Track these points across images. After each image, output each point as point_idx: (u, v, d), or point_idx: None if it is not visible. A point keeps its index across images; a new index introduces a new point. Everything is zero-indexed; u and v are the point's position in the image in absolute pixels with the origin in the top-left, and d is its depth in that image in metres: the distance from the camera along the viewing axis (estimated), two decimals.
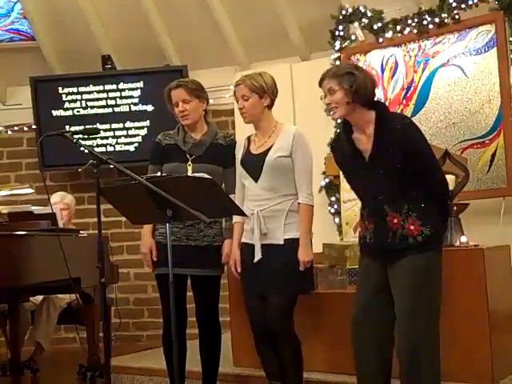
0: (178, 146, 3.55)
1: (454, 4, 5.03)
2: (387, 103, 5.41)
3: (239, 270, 3.38)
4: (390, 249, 2.78)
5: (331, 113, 2.89)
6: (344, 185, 4.08)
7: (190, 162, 3.51)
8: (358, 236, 3.02)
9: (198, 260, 3.45)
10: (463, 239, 3.43)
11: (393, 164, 2.74)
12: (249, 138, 3.46)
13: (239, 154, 3.43)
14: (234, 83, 3.41)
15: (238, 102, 3.37)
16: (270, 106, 3.37)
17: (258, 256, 3.25)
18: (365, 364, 2.86)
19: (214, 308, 3.57)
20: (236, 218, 3.43)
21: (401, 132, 2.74)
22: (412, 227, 2.74)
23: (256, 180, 3.30)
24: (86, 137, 5.28)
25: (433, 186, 2.80)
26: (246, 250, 3.35)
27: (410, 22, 5.29)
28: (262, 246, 3.26)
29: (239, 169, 3.39)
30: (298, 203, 3.27)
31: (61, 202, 5.11)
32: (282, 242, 3.24)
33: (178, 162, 3.50)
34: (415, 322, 2.71)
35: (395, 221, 2.76)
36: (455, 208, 3.48)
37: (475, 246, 3.42)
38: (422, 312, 2.72)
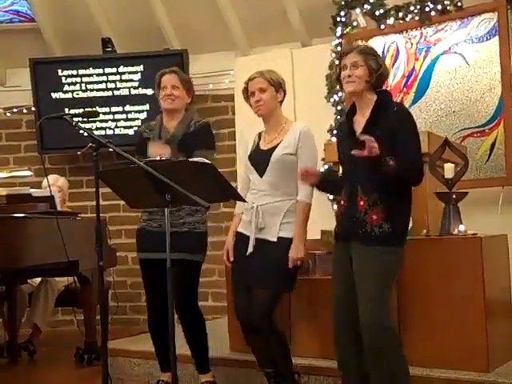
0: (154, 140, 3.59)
1: None
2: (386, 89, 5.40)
3: (231, 259, 3.40)
4: (353, 230, 2.85)
5: (346, 85, 2.91)
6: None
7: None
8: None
9: (174, 245, 3.42)
10: (461, 228, 3.44)
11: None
12: (260, 134, 3.47)
13: (248, 149, 3.45)
14: (248, 78, 3.39)
15: (250, 96, 3.35)
16: (281, 103, 3.38)
17: (250, 249, 3.29)
18: (345, 361, 2.96)
19: (191, 293, 3.57)
20: (237, 210, 3.45)
21: (395, 116, 2.82)
22: (374, 217, 2.81)
23: (261, 175, 3.32)
24: (85, 120, 5.27)
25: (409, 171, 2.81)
26: (240, 239, 3.37)
27: (412, 8, 5.27)
28: (257, 239, 3.28)
29: (247, 164, 3.42)
30: (297, 200, 3.29)
31: (54, 184, 5.09)
32: (274, 240, 3.26)
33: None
34: (368, 309, 2.79)
35: (361, 203, 2.84)
36: (454, 196, 3.48)
37: (473, 234, 3.42)
38: (374, 301, 2.80)
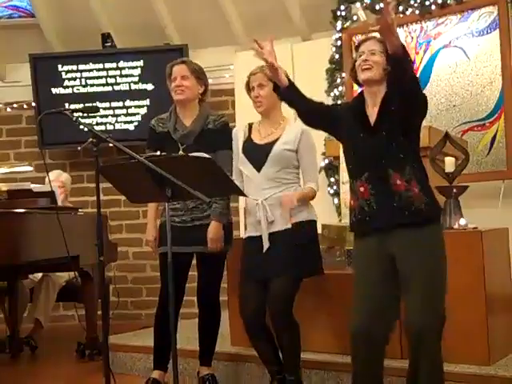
0: (170, 133, 3.59)
1: None
2: None
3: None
4: (396, 214, 2.63)
5: (362, 72, 2.77)
6: (343, 166, 4.07)
7: (180, 152, 3.52)
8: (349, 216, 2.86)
9: (201, 238, 3.47)
10: (462, 222, 3.43)
11: (395, 119, 2.67)
12: (250, 126, 3.45)
13: (240, 140, 3.42)
14: (250, 72, 3.38)
15: (252, 91, 3.35)
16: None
17: (266, 245, 3.24)
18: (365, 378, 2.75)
19: (216, 285, 3.61)
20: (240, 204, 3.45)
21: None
22: (416, 190, 2.65)
23: (259, 169, 3.30)
24: (85, 115, 5.28)
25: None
26: (251, 243, 3.34)
27: (412, 2, 5.27)
28: (269, 234, 3.25)
29: (241, 157, 3.38)
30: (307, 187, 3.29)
31: (56, 180, 5.10)
32: (289, 226, 3.24)
33: (169, 151, 3.47)
34: (432, 299, 2.59)
35: (398, 182, 2.65)
36: (455, 191, 3.48)
37: (474, 228, 3.42)
38: (438, 287, 2.62)
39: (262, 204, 3.26)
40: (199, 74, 3.60)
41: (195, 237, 3.47)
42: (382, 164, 2.69)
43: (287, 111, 3.22)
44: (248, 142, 3.39)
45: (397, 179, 2.66)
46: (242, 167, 3.38)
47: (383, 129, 2.71)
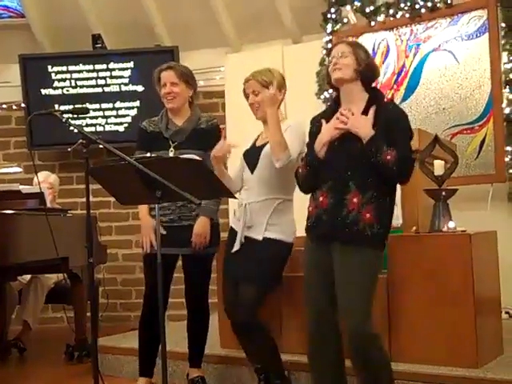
0: (161, 133, 3.58)
1: None
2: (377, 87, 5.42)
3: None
4: (339, 229, 2.71)
5: (333, 73, 2.81)
6: None
7: (171, 148, 3.52)
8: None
9: (188, 238, 3.47)
10: (451, 224, 3.44)
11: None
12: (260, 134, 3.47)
13: (247, 147, 3.45)
14: (244, 80, 3.38)
15: (247, 98, 3.36)
16: (280, 101, 3.33)
17: (236, 246, 3.29)
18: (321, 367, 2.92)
19: (204, 287, 3.62)
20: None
21: (391, 111, 2.77)
22: (367, 215, 2.69)
23: (252, 171, 3.32)
24: (75, 116, 5.27)
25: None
26: (232, 236, 3.38)
27: (402, 5, 5.29)
28: (245, 237, 3.28)
29: (241, 161, 3.40)
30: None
31: (44, 181, 5.07)
32: (260, 238, 3.26)
33: (161, 149, 3.50)
34: (356, 322, 2.70)
35: (355, 200, 2.70)
36: (444, 194, 3.49)
37: (463, 231, 3.43)
38: (362, 313, 2.70)
39: (244, 207, 3.28)
40: (188, 78, 3.60)
41: (183, 238, 3.46)
42: (346, 175, 2.73)
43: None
44: (251, 147, 3.43)
45: (354, 198, 2.71)
46: (244, 172, 3.39)
47: (360, 140, 2.72)
